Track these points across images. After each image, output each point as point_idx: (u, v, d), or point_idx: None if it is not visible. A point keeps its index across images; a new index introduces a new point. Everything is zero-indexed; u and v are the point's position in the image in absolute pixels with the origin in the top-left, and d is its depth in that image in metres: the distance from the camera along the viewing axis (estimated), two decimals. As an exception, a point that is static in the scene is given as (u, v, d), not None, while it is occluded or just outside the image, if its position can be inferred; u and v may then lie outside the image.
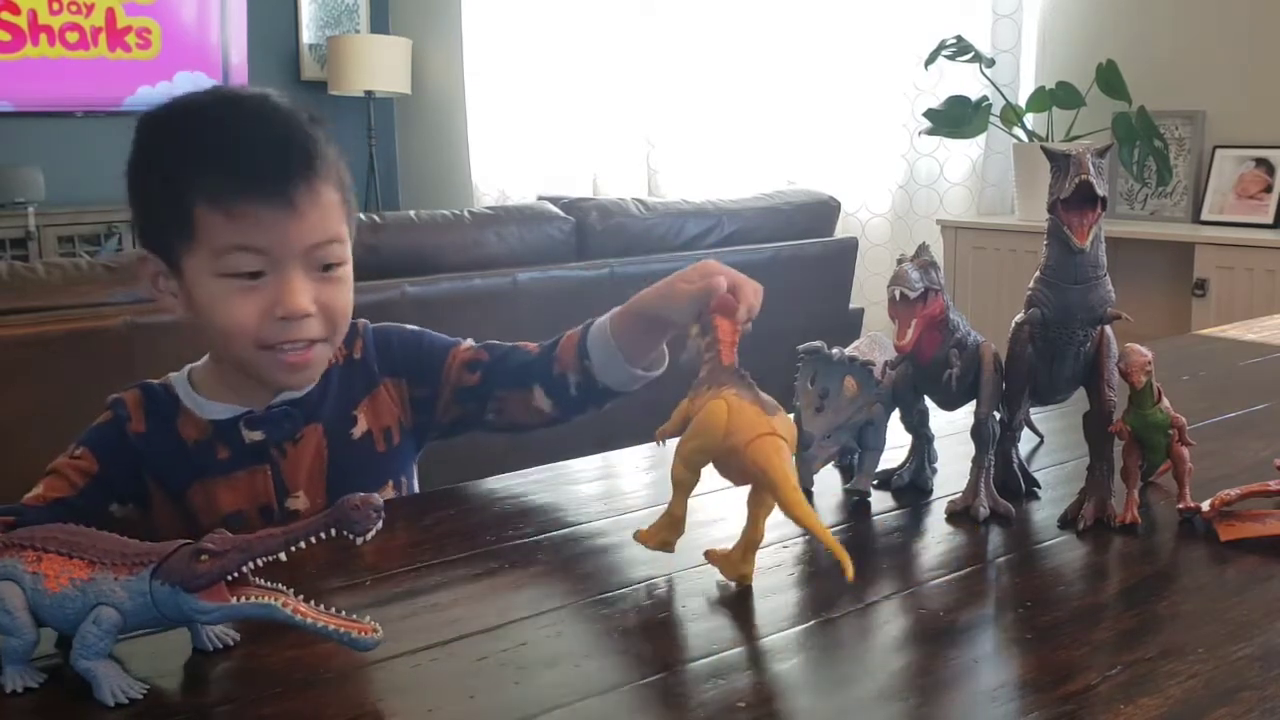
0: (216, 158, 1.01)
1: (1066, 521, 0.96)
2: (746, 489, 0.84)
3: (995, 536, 0.95)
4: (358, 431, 1.14)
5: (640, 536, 0.88)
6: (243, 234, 1.00)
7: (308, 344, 1.05)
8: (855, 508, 1.02)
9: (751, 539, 0.83)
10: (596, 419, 1.26)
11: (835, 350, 1.01)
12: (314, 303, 1.03)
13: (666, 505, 0.87)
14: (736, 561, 0.84)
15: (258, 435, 1.10)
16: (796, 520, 0.77)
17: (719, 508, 0.97)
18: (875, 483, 1.06)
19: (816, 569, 0.88)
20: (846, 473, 1.07)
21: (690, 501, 0.87)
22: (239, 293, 1.02)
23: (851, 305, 2.97)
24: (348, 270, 1.08)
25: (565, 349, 1.15)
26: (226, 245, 1.00)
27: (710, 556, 0.86)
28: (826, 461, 1.04)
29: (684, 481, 0.85)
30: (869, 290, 3.58)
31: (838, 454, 1.05)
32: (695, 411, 0.83)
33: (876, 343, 1.10)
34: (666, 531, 0.87)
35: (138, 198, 1.07)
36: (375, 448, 1.15)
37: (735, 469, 0.81)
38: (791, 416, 0.85)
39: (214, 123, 1.05)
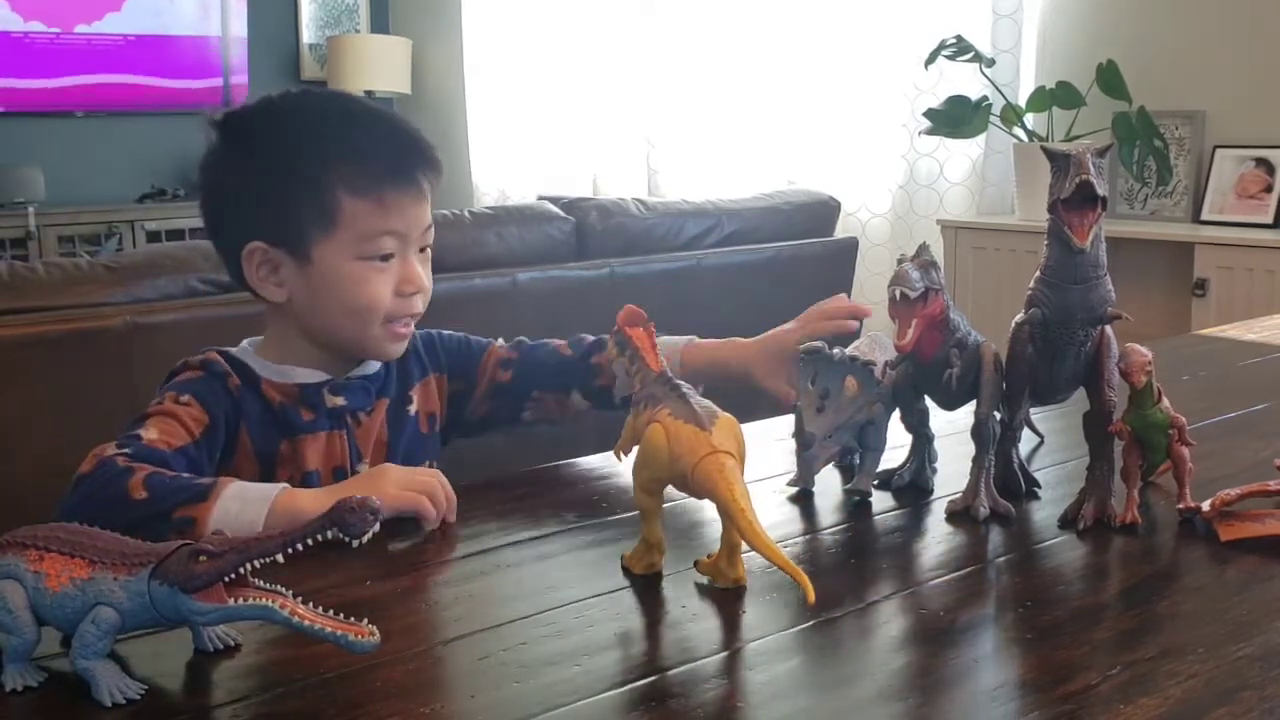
0: (362, 152, 1.13)
1: (1066, 521, 0.96)
2: None
3: (995, 536, 0.95)
4: (412, 410, 1.24)
5: (627, 562, 0.88)
6: (390, 219, 1.12)
7: (415, 318, 1.17)
8: (855, 508, 1.02)
9: (732, 543, 0.83)
10: (597, 419, 1.26)
11: (836, 350, 1.01)
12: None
13: (641, 533, 0.87)
14: (725, 568, 0.84)
15: (340, 400, 1.17)
16: (752, 547, 0.76)
17: (708, 509, 0.96)
18: (876, 483, 1.06)
19: (816, 569, 0.88)
20: (847, 473, 1.07)
21: (678, 505, 0.87)
22: (375, 273, 1.13)
23: (851, 305, 2.97)
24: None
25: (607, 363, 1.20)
26: (375, 230, 1.11)
27: (700, 567, 0.86)
28: (828, 461, 1.04)
29: (649, 507, 0.85)
30: (869, 290, 3.58)
31: (839, 454, 1.05)
32: (640, 429, 0.83)
33: (877, 342, 1.10)
34: (649, 555, 0.87)
35: (249, 195, 1.14)
36: (421, 427, 1.24)
37: (691, 490, 0.81)
38: (732, 419, 0.83)
39: (346, 122, 1.17)
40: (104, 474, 0.99)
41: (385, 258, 1.13)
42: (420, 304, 1.16)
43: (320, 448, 1.15)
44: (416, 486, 0.99)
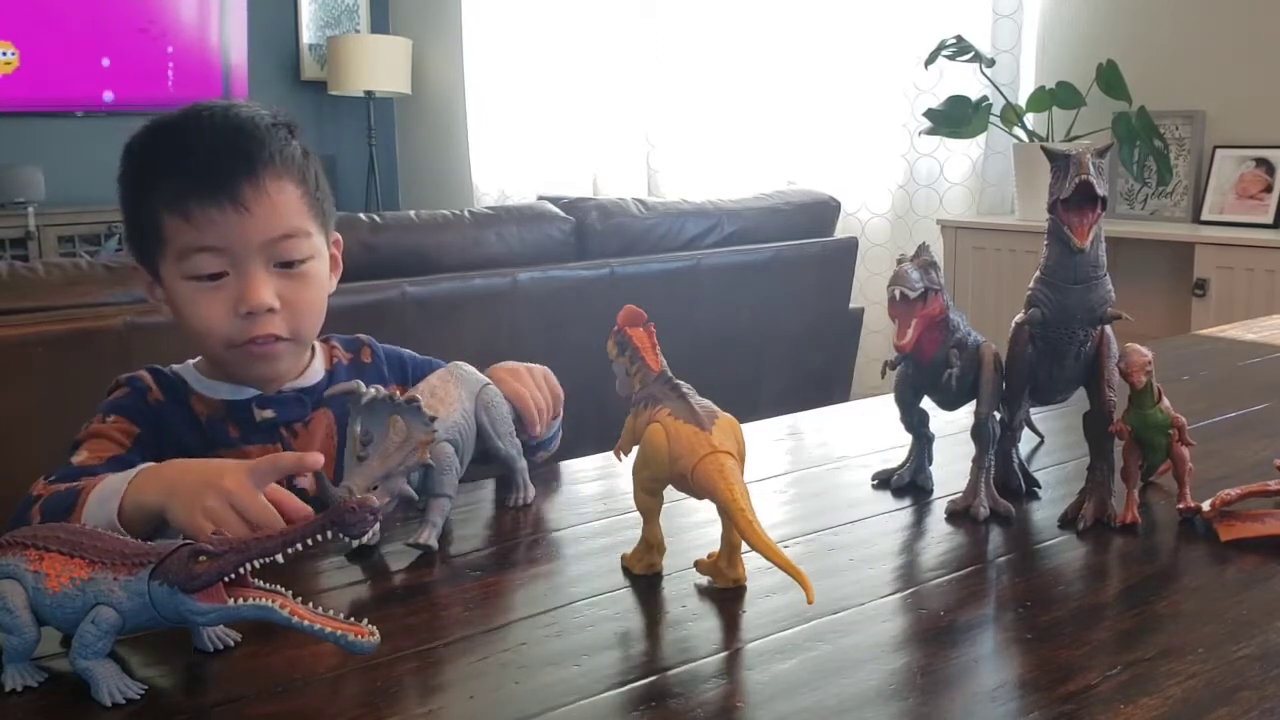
0: (171, 165, 1.08)
1: (1066, 521, 0.96)
2: None
3: (995, 536, 0.95)
4: None
5: (627, 562, 0.88)
6: (201, 235, 1.06)
7: (273, 339, 1.10)
8: (855, 506, 1.02)
9: (732, 544, 0.83)
10: (596, 418, 1.26)
11: (374, 388, 0.90)
12: (277, 298, 1.08)
13: (640, 532, 0.87)
14: (724, 569, 0.84)
15: (269, 414, 1.15)
16: (752, 547, 0.76)
17: (708, 509, 0.96)
18: (876, 482, 1.06)
19: (816, 569, 0.88)
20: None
21: (678, 505, 0.86)
22: (204, 293, 1.08)
23: (851, 305, 2.97)
24: (315, 266, 1.13)
25: None
26: (188, 247, 1.07)
27: (700, 567, 0.86)
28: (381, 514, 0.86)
29: (649, 507, 0.85)
30: (869, 290, 3.58)
31: (392, 504, 0.90)
32: (640, 429, 0.83)
33: (453, 375, 1.02)
34: (649, 555, 0.87)
35: (123, 212, 1.15)
36: None
37: (691, 490, 0.81)
38: (732, 419, 0.82)
39: (172, 134, 1.11)
40: (20, 509, 1.02)
41: (214, 276, 1.07)
42: (276, 324, 1.08)
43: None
44: (214, 515, 0.90)
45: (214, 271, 1.07)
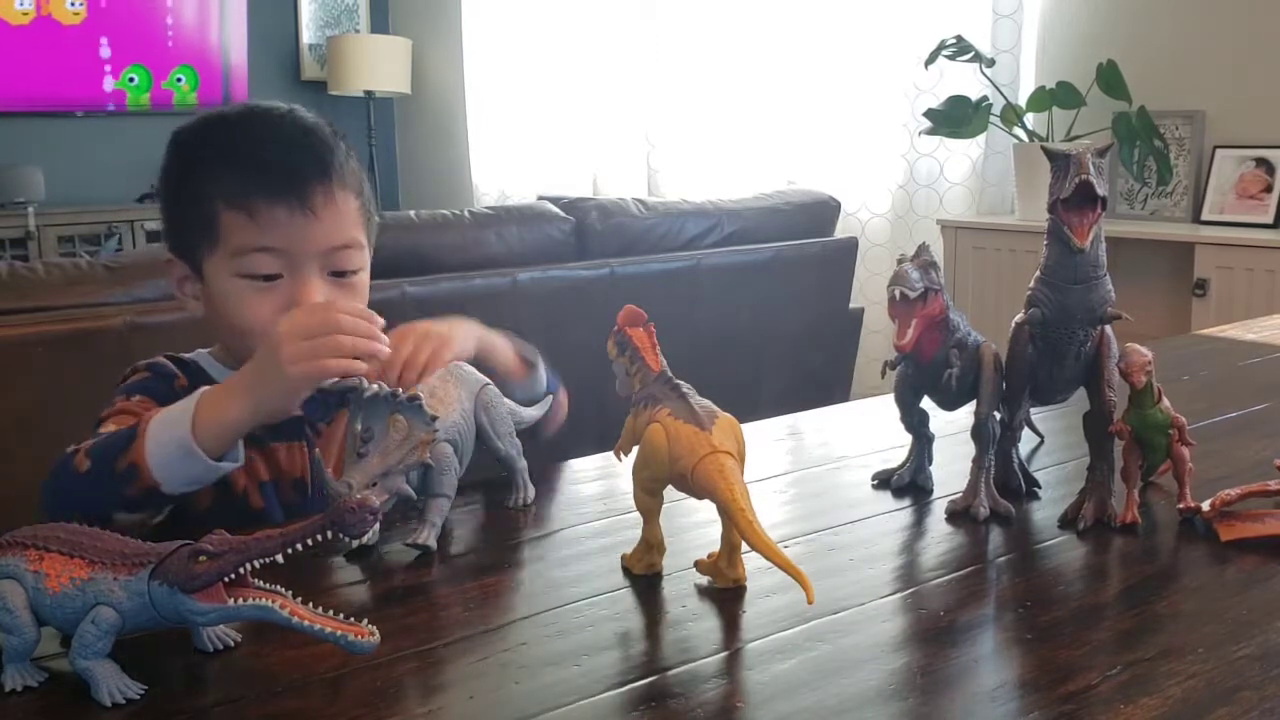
0: (239, 161, 1.07)
1: (1066, 521, 0.96)
2: None
3: (995, 536, 0.95)
4: None
5: (627, 562, 0.88)
6: (263, 234, 1.05)
7: None
8: (855, 506, 1.02)
9: (732, 543, 0.83)
10: (596, 418, 1.26)
11: (376, 385, 0.89)
12: None
13: (640, 532, 0.87)
14: (724, 569, 0.84)
15: (296, 410, 1.11)
16: (752, 547, 0.76)
17: (708, 509, 0.96)
18: (876, 483, 1.06)
19: (816, 569, 0.88)
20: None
21: (678, 505, 0.86)
22: (256, 293, 1.06)
23: (851, 305, 2.97)
24: (362, 279, 1.13)
25: None
26: (247, 245, 1.05)
27: (700, 567, 0.86)
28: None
29: (649, 507, 0.85)
30: (869, 290, 3.58)
31: (392, 503, 0.89)
32: (640, 430, 0.83)
33: (451, 375, 1.01)
34: (649, 555, 0.87)
35: (166, 204, 1.14)
36: None
37: (691, 490, 0.81)
38: (732, 419, 0.82)
39: (238, 130, 1.10)
40: (57, 468, 1.00)
41: (269, 278, 1.06)
42: None
43: (277, 459, 1.12)
44: (315, 350, 0.91)
45: (270, 272, 1.06)
